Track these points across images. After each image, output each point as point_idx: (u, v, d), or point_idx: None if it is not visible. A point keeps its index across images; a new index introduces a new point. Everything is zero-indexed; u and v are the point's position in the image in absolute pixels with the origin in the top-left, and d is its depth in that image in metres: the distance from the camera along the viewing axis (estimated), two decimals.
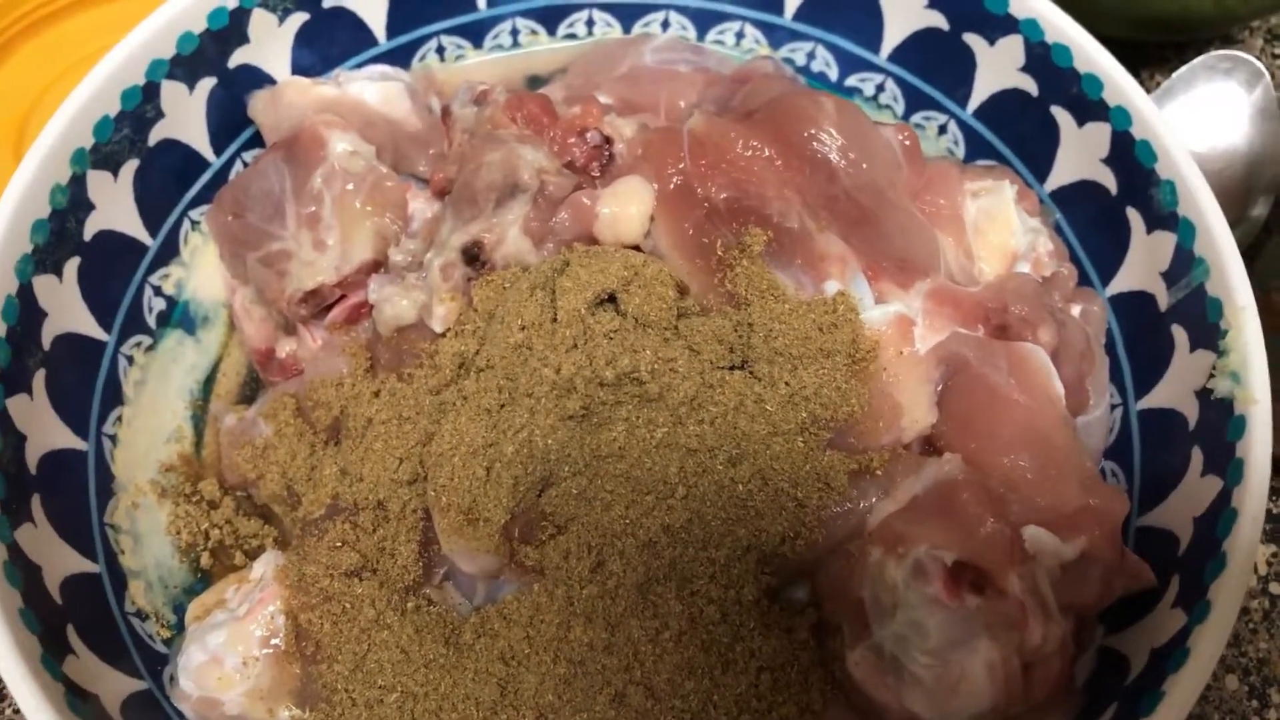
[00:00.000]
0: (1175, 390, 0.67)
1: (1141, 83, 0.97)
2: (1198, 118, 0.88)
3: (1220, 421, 0.62)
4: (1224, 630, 0.56)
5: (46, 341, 0.66)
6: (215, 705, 0.61)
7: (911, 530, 0.58)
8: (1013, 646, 0.56)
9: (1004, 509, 0.59)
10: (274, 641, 0.61)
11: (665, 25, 0.84)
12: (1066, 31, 0.72)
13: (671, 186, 0.65)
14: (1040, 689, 0.57)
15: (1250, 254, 0.84)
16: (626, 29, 0.84)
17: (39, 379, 0.65)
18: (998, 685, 0.56)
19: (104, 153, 0.69)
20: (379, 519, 0.63)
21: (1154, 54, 0.99)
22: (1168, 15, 0.90)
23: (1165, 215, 0.68)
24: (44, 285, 0.66)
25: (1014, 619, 0.57)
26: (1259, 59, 0.98)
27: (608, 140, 0.69)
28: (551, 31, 0.84)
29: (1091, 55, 0.71)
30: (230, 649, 0.61)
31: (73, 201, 0.67)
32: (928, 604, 0.57)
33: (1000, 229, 0.69)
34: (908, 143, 0.69)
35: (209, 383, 0.75)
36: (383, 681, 0.60)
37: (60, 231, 0.67)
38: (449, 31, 0.82)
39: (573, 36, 0.84)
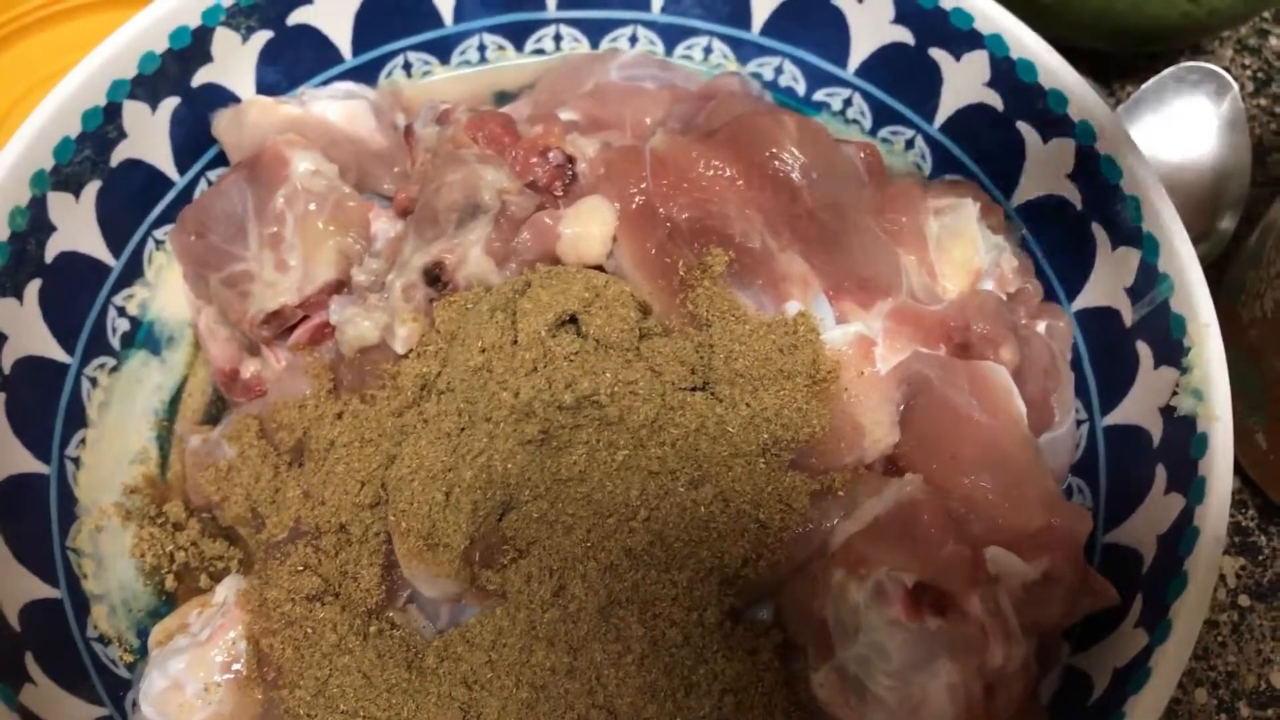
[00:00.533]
0: (1140, 406, 0.67)
1: (1113, 93, 0.98)
2: (1166, 129, 0.88)
3: (1183, 439, 0.62)
4: (1184, 650, 0.56)
5: (6, 365, 0.65)
6: None
7: (873, 551, 0.58)
8: (974, 668, 0.56)
9: (965, 529, 0.59)
10: (235, 667, 0.61)
11: (633, 40, 0.84)
12: (1031, 47, 0.72)
13: (634, 206, 0.65)
14: (1002, 710, 0.57)
15: (1218, 266, 0.84)
16: (594, 44, 0.84)
17: None
18: (959, 707, 0.56)
19: (65, 174, 0.68)
20: (341, 542, 0.63)
21: (1126, 65, 0.99)
22: (1137, 26, 0.90)
23: (1130, 231, 0.68)
24: (4, 309, 0.65)
25: (975, 641, 0.56)
26: (1229, 69, 0.99)
27: (570, 160, 0.68)
28: (519, 47, 0.84)
29: (1056, 71, 0.71)
30: (192, 675, 0.61)
31: (33, 224, 0.67)
32: (889, 625, 0.57)
33: (963, 246, 0.69)
34: (870, 160, 0.69)
35: (174, 403, 0.74)
36: (345, 706, 0.60)
37: (20, 254, 0.66)
38: (416, 48, 0.82)
39: (540, 52, 0.84)
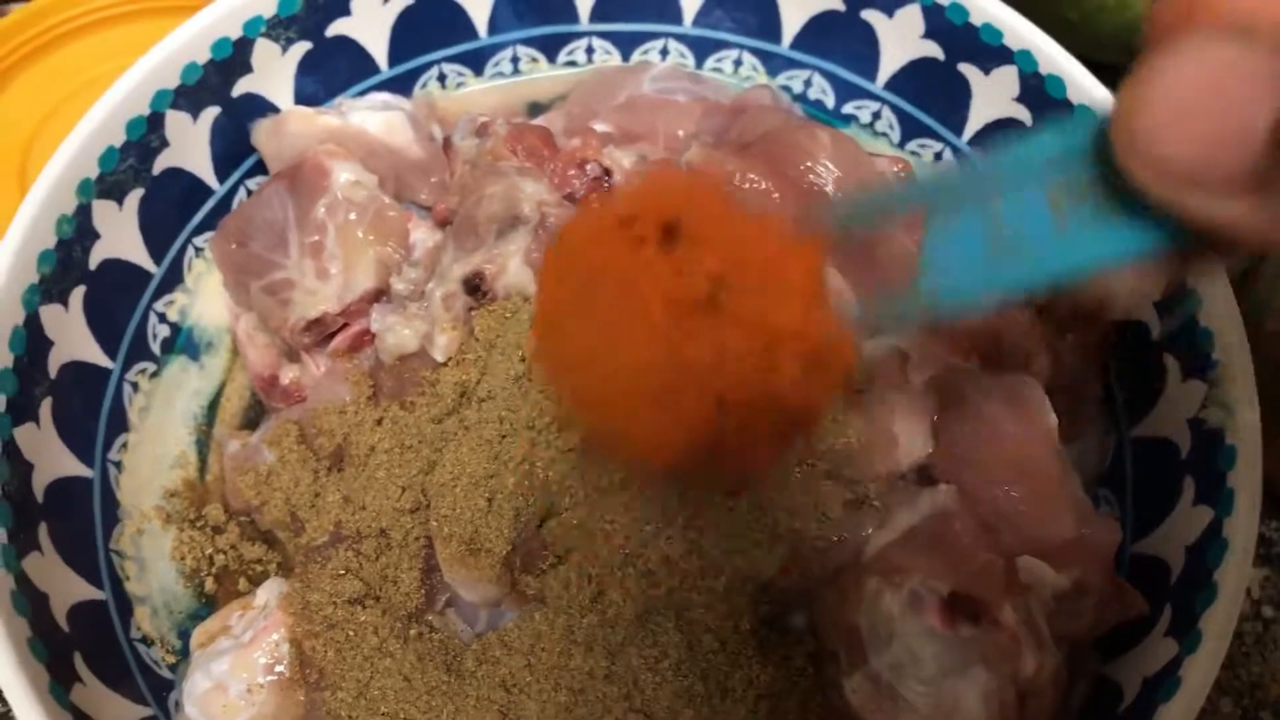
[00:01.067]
0: (1168, 419, 0.68)
1: None
2: None
3: (1212, 451, 0.63)
4: (1214, 660, 0.57)
5: (53, 370, 0.66)
6: None
7: (907, 561, 0.59)
8: (1007, 676, 0.57)
9: (998, 539, 0.60)
10: (278, 669, 0.62)
11: (664, 53, 0.85)
12: (1060, 63, 0.73)
13: None
14: (1034, 718, 0.58)
15: (1243, 281, 0.85)
16: (626, 56, 0.85)
17: (45, 407, 0.65)
18: (992, 714, 0.57)
19: (109, 182, 0.70)
20: (382, 547, 0.64)
21: None
22: None
23: None
24: (50, 315, 0.66)
25: (1009, 649, 0.57)
26: None
27: (607, 172, 0.69)
28: (551, 59, 0.85)
29: (1084, 86, 0.72)
30: (234, 676, 0.62)
31: (79, 231, 0.68)
32: (923, 634, 0.58)
33: None
34: (902, 174, 0.70)
35: (213, 408, 0.75)
36: (386, 709, 0.61)
37: (66, 261, 0.67)
38: (450, 59, 0.83)
39: (573, 64, 0.85)
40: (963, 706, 0.57)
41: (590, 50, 0.85)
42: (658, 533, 0.61)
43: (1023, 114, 0.76)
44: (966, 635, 0.58)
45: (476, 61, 0.84)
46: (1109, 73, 0.73)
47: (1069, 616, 0.60)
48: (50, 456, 0.65)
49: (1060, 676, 0.59)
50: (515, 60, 0.84)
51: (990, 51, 0.76)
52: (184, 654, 0.67)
